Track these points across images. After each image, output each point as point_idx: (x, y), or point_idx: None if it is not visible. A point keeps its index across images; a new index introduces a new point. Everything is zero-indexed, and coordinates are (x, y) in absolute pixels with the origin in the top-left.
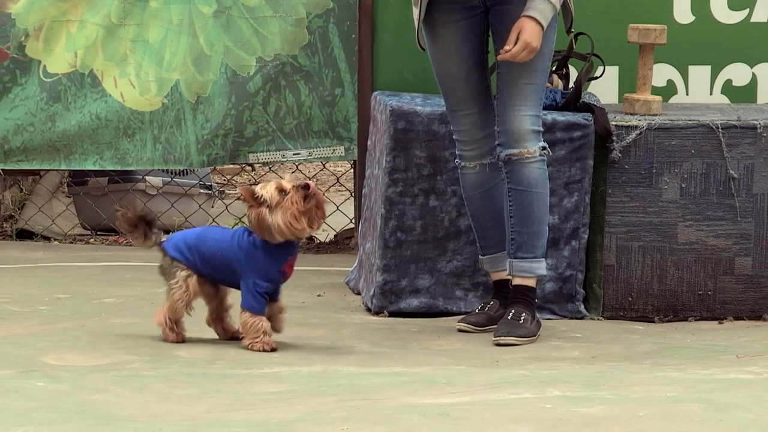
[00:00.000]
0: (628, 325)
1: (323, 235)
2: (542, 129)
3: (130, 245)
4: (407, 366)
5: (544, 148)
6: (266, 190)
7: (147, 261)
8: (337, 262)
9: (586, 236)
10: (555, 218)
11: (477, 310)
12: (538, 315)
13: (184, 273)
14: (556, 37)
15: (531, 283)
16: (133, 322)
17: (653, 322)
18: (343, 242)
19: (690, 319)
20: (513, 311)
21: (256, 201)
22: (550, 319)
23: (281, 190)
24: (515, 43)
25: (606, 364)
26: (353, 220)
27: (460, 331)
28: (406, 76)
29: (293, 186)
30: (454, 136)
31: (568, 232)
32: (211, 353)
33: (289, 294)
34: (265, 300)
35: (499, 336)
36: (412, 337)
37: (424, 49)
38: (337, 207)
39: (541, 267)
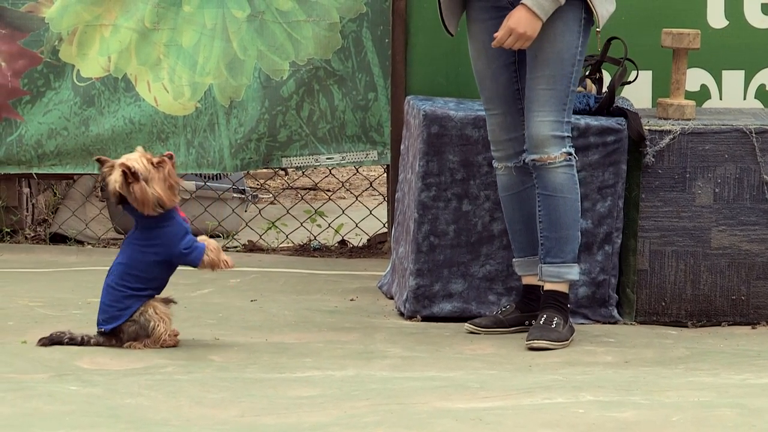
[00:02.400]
0: (661, 330)
1: (356, 239)
2: (567, 134)
3: None
4: (440, 370)
5: (569, 154)
6: (139, 164)
7: (181, 267)
8: (370, 267)
9: (620, 241)
10: (588, 223)
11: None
12: (571, 320)
13: None
14: (587, 42)
15: (562, 288)
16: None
17: (686, 327)
18: (376, 246)
19: (723, 324)
20: (545, 316)
21: (135, 177)
22: (583, 323)
23: (154, 163)
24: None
25: (639, 368)
26: (386, 225)
27: (469, 332)
28: (439, 80)
29: (161, 157)
30: None
31: (602, 236)
32: (244, 357)
33: (322, 298)
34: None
35: (532, 340)
36: (445, 341)
37: (451, 34)
38: (371, 211)
39: (571, 272)
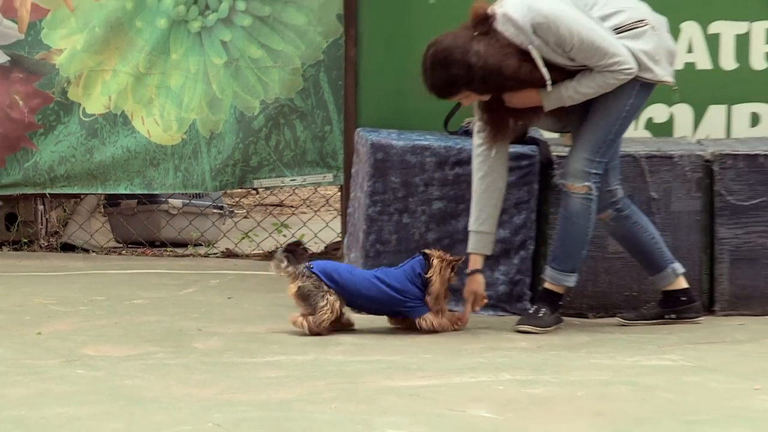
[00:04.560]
0: (567, 321)
1: (315, 246)
2: (595, 172)
3: (156, 256)
4: (385, 355)
5: (590, 189)
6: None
7: (169, 269)
8: None
9: (533, 247)
10: (507, 232)
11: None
12: (493, 312)
13: None
14: (645, 100)
15: (558, 290)
16: (158, 319)
17: (588, 318)
18: (331, 252)
19: (618, 315)
20: (536, 306)
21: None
22: (502, 315)
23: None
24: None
25: (549, 352)
26: (340, 235)
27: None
28: (383, 115)
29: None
30: None
31: (518, 243)
32: (223, 345)
33: (286, 296)
34: None
35: (519, 324)
36: (390, 330)
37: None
38: (327, 224)
39: (569, 280)
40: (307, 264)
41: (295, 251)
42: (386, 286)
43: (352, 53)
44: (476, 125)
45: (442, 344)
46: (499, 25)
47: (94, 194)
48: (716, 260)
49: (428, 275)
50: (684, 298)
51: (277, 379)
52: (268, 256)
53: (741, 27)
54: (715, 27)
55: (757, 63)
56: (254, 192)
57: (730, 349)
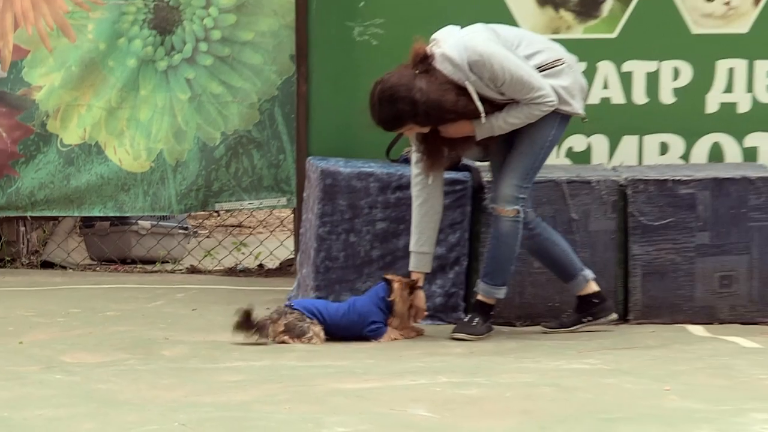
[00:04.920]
0: (497, 329)
1: (271, 263)
2: (522, 197)
3: (127, 272)
4: (333, 360)
5: (518, 212)
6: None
7: (139, 284)
8: (282, 284)
9: (466, 263)
10: (443, 250)
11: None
12: (430, 322)
13: None
14: (563, 130)
15: (490, 301)
16: (129, 329)
17: (515, 326)
18: (285, 268)
19: (542, 324)
20: (470, 316)
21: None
22: (439, 324)
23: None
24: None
25: (481, 357)
26: (293, 252)
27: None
28: (332, 145)
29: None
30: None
31: (453, 260)
32: (188, 352)
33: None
34: None
35: (454, 332)
36: (339, 338)
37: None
38: (281, 242)
39: (499, 292)
40: (287, 303)
41: (247, 319)
42: (353, 315)
43: (304, 89)
44: (413, 156)
45: (384, 350)
46: (438, 64)
47: (71, 216)
48: (630, 274)
49: (391, 298)
50: (596, 300)
51: (236, 382)
52: (229, 271)
53: (651, 66)
54: (628, 66)
55: (665, 98)
56: (216, 214)
57: (642, 354)
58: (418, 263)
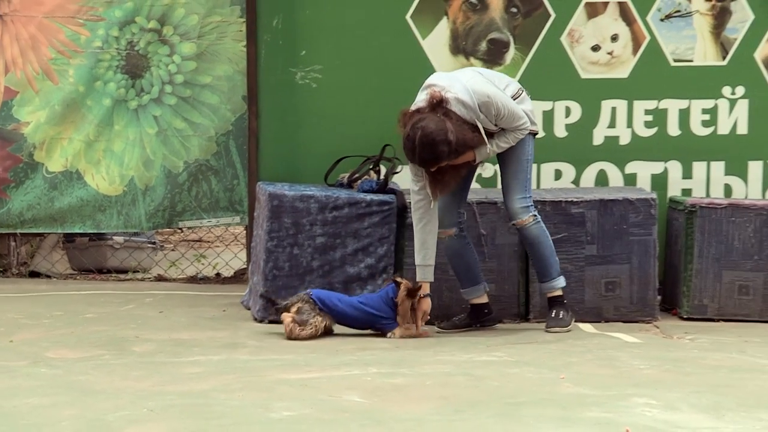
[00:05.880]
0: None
1: (227, 272)
2: (530, 204)
3: (103, 280)
4: (280, 354)
5: (535, 216)
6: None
7: (114, 290)
8: (236, 290)
9: (392, 272)
10: (373, 260)
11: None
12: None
13: None
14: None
15: (557, 293)
16: (105, 329)
17: (434, 325)
18: (239, 277)
19: (436, 324)
20: (554, 311)
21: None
22: None
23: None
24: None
25: (405, 351)
26: (246, 263)
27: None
28: (278, 172)
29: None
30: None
31: (381, 269)
32: (155, 348)
33: (205, 310)
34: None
35: (549, 327)
36: (283, 336)
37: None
38: (236, 254)
39: (558, 283)
40: (307, 291)
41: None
42: (367, 308)
43: (254, 125)
44: (416, 186)
45: (324, 346)
46: (452, 107)
47: (54, 233)
48: (530, 281)
49: (397, 299)
50: (487, 311)
51: (197, 374)
52: (191, 279)
53: (547, 105)
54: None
55: (559, 132)
56: (179, 231)
57: (541, 348)
58: (426, 274)
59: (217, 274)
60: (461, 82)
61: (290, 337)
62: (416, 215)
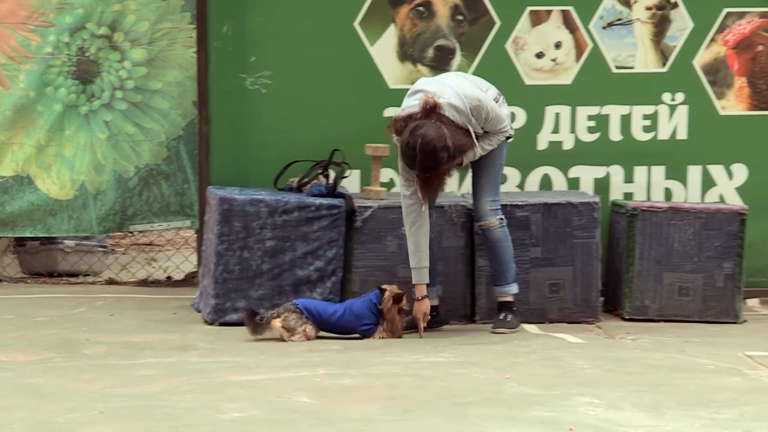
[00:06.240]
0: None
1: (178, 275)
2: (498, 208)
3: (54, 284)
4: (230, 356)
5: (501, 219)
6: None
7: (65, 293)
8: (186, 293)
9: (341, 274)
10: (321, 263)
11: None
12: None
13: None
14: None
15: (508, 298)
16: (56, 332)
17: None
18: (190, 280)
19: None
20: (502, 314)
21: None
22: None
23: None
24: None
25: (353, 352)
26: (196, 266)
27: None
28: (228, 176)
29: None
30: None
31: (330, 271)
32: (106, 351)
33: (156, 313)
34: None
35: (495, 328)
36: (234, 338)
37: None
38: (186, 258)
39: (512, 289)
40: (293, 301)
41: (252, 317)
42: (350, 314)
43: (204, 130)
44: (407, 191)
45: (273, 348)
46: (445, 112)
47: (6, 237)
48: (476, 283)
49: (381, 306)
50: (435, 314)
51: (147, 376)
52: (141, 283)
53: None
54: None
55: None
56: (130, 234)
57: (487, 349)
58: (422, 276)
59: (168, 278)
60: (451, 87)
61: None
62: (409, 219)
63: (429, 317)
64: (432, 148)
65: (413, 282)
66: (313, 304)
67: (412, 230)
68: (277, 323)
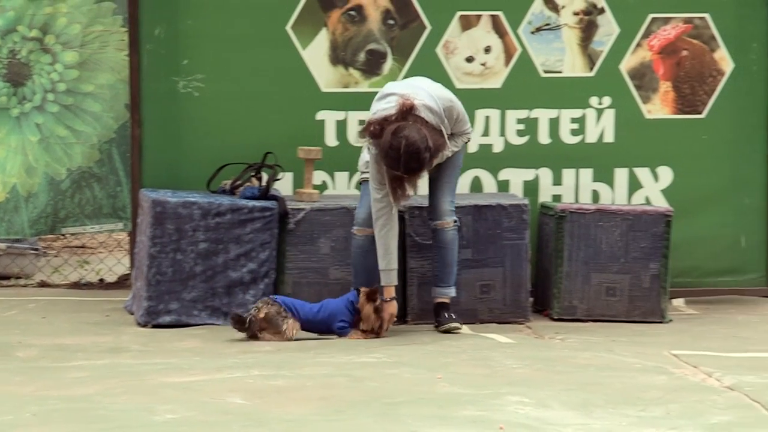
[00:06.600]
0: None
1: (110, 278)
2: (454, 209)
3: None
4: (163, 358)
5: (456, 221)
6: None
7: None
8: (119, 295)
9: (274, 276)
10: (254, 265)
11: None
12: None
13: None
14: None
15: (446, 300)
16: None
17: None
18: (122, 282)
19: None
20: (445, 314)
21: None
22: None
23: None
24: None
25: (287, 353)
26: (129, 268)
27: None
28: (161, 179)
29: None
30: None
31: (263, 273)
32: (38, 353)
33: (88, 315)
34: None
35: (442, 326)
36: (166, 339)
37: None
38: (119, 260)
39: (452, 291)
40: (270, 296)
41: (239, 320)
42: (327, 313)
43: (137, 133)
44: (378, 194)
45: (207, 350)
46: (421, 113)
47: None
48: (408, 284)
49: (359, 303)
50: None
51: (80, 378)
52: (74, 285)
53: None
54: None
55: None
56: (62, 237)
57: (419, 349)
58: (391, 278)
59: (101, 280)
60: (424, 89)
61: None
62: (379, 222)
63: (395, 318)
64: (416, 150)
65: (382, 284)
66: (291, 301)
67: (382, 233)
68: (258, 315)
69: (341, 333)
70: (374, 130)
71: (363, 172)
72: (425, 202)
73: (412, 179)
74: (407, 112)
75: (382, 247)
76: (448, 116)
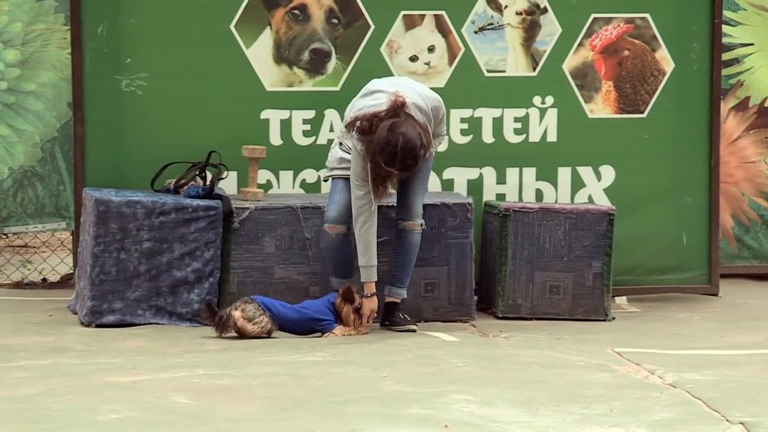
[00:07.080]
0: None
1: (53, 277)
2: (422, 212)
3: None
4: (107, 358)
5: (422, 225)
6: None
7: None
8: (63, 295)
9: (219, 275)
10: (199, 264)
11: None
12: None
13: None
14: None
15: (397, 300)
16: None
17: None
18: (66, 282)
19: None
20: (398, 314)
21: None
22: (196, 326)
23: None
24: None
25: (233, 353)
26: (72, 268)
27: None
28: (104, 178)
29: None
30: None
31: (208, 272)
32: None
33: (31, 315)
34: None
35: (397, 326)
36: (110, 339)
37: None
38: (62, 260)
39: (405, 293)
40: (250, 296)
41: (210, 310)
42: (308, 312)
43: (80, 131)
44: (360, 191)
45: (151, 350)
46: (410, 111)
47: None
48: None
49: (337, 304)
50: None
51: (23, 378)
52: (16, 285)
53: None
54: None
55: None
56: (4, 236)
57: (364, 348)
58: (371, 275)
59: (44, 279)
60: (412, 88)
61: (241, 332)
62: (360, 219)
63: (375, 314)
64: (413, 146)
65: (362, 280)
66: (270, 301)
67: (362, 230)
68: (236, 313)
69: (324, 330)
70: (362, 126)
71: (332, 168)
72: (390, 201)
73: (400, 176)
74: (398, 109)
75: (363, 244)
76: (434, 115)
